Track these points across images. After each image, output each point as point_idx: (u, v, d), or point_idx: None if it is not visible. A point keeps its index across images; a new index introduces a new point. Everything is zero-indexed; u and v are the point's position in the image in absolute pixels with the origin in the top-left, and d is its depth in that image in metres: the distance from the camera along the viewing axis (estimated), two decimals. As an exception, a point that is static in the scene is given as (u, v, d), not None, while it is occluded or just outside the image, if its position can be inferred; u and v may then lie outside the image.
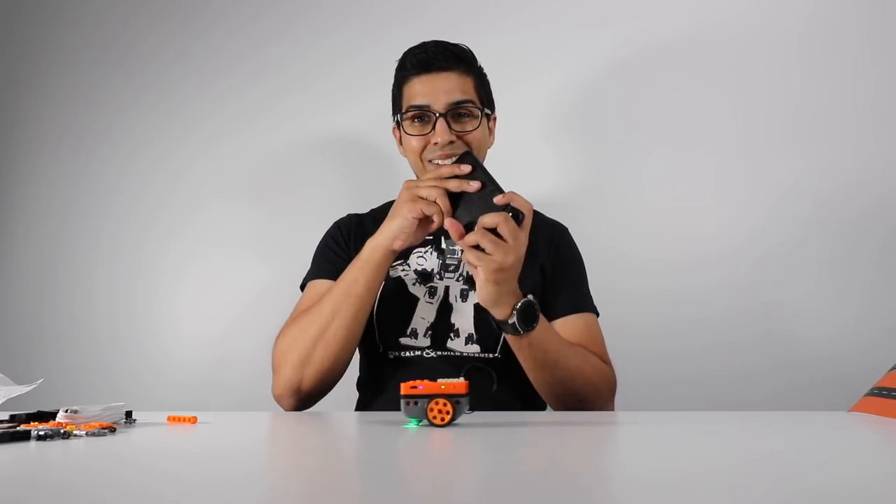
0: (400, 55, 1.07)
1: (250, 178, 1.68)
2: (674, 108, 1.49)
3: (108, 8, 1.80)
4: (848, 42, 1.42)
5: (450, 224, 0.87)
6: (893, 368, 0.84)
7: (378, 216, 1.13)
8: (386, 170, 1.50)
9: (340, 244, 1.12)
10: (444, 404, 0.61)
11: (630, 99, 1.52)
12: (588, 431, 0.67)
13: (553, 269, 1.09)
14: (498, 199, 0.84)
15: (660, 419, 0.77)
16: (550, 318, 1.07)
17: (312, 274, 1.12)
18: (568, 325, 1.05)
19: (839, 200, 1.40)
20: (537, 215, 1.16)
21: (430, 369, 0.99)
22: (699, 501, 0.32)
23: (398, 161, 1.13)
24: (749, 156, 1.45)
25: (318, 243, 1.16)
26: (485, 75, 1.11)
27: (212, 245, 1.66)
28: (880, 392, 0.81)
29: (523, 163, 1.45)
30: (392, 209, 0.93)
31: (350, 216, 1.18)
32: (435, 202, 0.88)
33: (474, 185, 0.86)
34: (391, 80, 1.10)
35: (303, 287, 1.12)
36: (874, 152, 1.39)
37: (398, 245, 0.93)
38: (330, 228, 1.17)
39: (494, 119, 1.13)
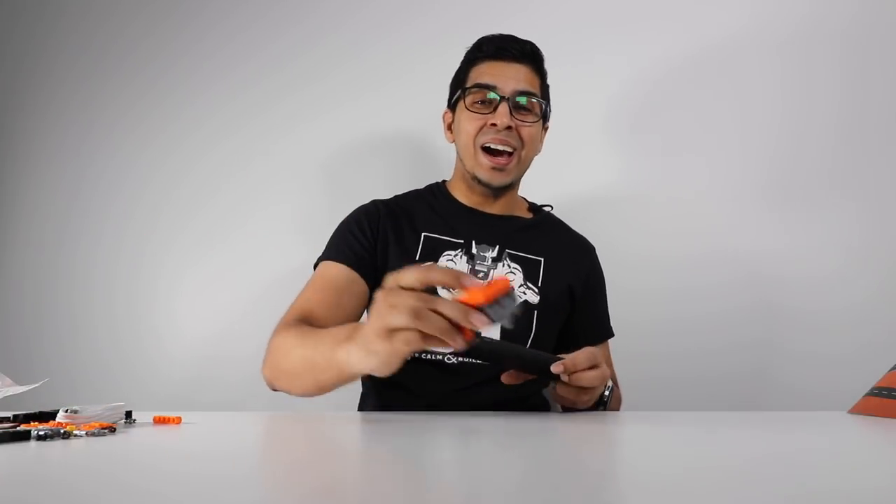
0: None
1: (249, 179, 1.67)
2: (675, 108, 1.49)
3: (107, 9, 1.80)
4: (880, 51, 1.42)
5: (509, 379, 0.82)
6: (893, 368, 0.84)
7: (403, 203, 1.11)
8: (386, 173, 1.49)
9: (365, 231, 1.05)
10: None
11: (640, 101, 1.51)
12: (589, 431, 0.67)
13: (583, 294, 1.10)
14: (556, 369, 0.78)
15: (660, 419, 0.77)
16: (575, 344, 1.09)
17: (328, 254, 1.04)
18: None
19: (841, 200, 1.40)
20: (565, 229, 1.17)
21: (454, 372, 0.99)
22: (699, 501, 0.32)
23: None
24: (752, 155, 1.44)
25: (337, 226, 1.10)
26: (547, 82, 1.11)
27: (212, 246, 1.66)
28: (880, 392, 0.81)
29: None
30: (368, 335, 0.65)
31: (376, 203, 1.11)
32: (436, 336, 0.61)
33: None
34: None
35: (316, 265, 1.05)
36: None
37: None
38: (354, 213, 1.10)
39: (546, 128, 1.13)
